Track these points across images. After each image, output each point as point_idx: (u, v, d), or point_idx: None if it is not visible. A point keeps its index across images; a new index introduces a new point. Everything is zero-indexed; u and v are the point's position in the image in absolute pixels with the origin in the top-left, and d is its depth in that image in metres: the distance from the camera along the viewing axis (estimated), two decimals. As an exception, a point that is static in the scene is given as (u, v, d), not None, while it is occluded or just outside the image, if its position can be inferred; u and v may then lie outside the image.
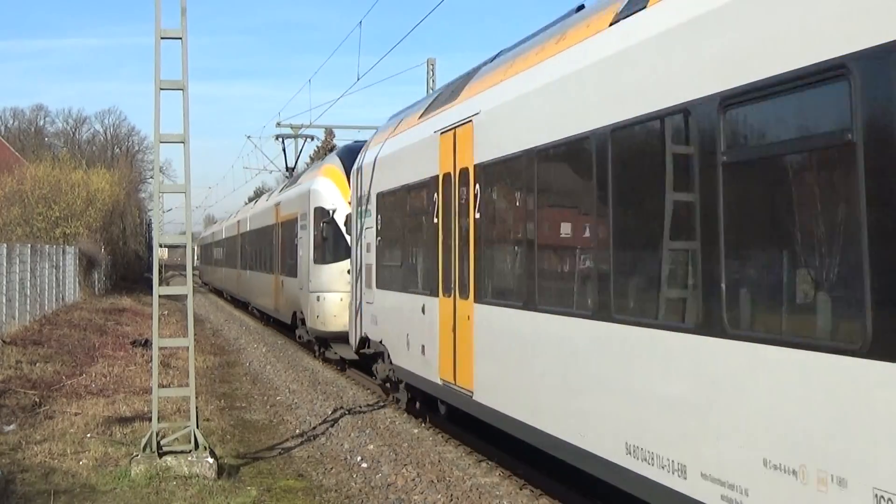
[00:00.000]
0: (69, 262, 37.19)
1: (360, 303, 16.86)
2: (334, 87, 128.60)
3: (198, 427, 11.28)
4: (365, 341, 16.65)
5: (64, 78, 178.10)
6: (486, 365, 10.81)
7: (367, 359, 17.26)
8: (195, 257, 78.66)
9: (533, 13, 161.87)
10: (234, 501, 10.16)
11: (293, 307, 25.86)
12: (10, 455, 11.69)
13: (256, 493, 10.51)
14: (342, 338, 20.47)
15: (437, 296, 12.39)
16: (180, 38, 11.28)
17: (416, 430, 14.65)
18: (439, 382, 12.37)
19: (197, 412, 11.38)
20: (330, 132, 60.01)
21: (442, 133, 12.34)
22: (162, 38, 11.29)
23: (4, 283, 24.52)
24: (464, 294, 11.36)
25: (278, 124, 39.95)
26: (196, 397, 11.63)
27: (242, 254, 40.48)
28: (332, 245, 22.08)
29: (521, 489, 11.01)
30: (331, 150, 36.42)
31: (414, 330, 13.50)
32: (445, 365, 12.09)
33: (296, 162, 38.94)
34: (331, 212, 22.28)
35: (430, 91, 37.24)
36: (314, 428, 14.85)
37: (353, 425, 14.96)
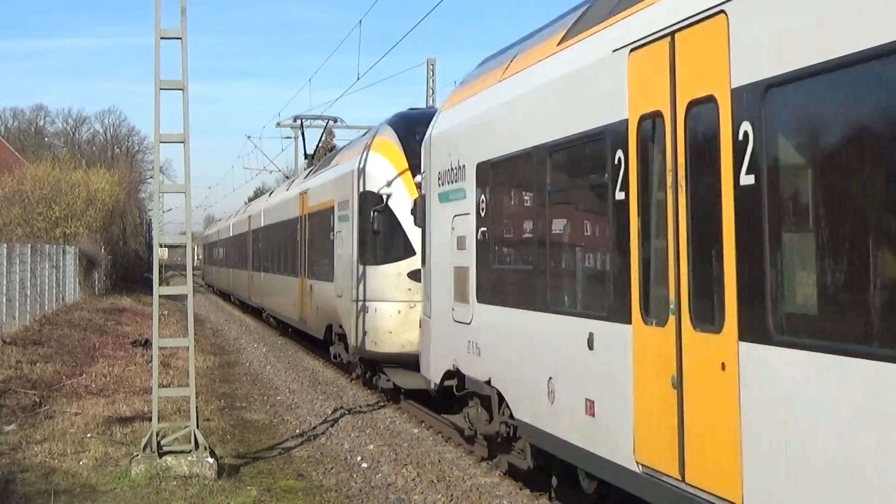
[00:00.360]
0: (69, 262, 37.22)
1: (445, 321, 12.28)
2: (334, 86, 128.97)
3: (198, 427, 11.28)
4: (453, 376, 12.16)
5: (64, 78, 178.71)
6: (781, 464, 5.86)
7: (450, 396, 12.52)
8: (197, 257, 78.76)
9: (533, 13, 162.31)
10: (234, 501, 10.17)
11: (327, 319, 20.80)
12: (10, 455, 11.70)
13: (256, 493, 10.52)
14: (403, 362, 16.56)
15: (628, 321, 7.72)
16: (180, 38, 11.30)
17: (416, 430, 14.66)
18: (635, 469, 7.64)
19: (197, 412, 11.39)
20: (330, 132, 59.90)
21: (636, 49, 7.66)
22: (162, 38, 11.30)
23: (4, 283, 24.55)
24: (705, 321, 6.72)
25: (278, 124, 39.75)
26: (196, 397, 11.63)
27: (255, 253, 35.93)
28: (387, 240, 17.34)
29: (521, 489, 11.01)
30: (331, 150, 35.13)
31: (566, 373, 8.95)
32: (653, 443, 7.39)
33: (316, 148, 33.96)
34: (384, 197, 17.38)
35: (431, 92, 37.00)
36: (314, 428, 14.86)
37: (353, 425, 14.97)
